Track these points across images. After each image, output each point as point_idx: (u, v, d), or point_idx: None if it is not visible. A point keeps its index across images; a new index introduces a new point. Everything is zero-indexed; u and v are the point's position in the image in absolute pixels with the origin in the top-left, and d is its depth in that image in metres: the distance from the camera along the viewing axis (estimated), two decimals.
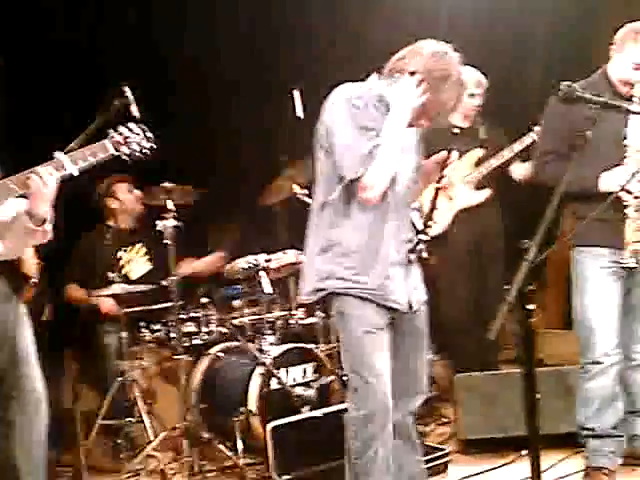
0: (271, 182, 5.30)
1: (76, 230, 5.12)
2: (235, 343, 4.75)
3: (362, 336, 3.12)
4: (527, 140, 4.72)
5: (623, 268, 3.55)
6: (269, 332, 4.71)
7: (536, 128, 3.95)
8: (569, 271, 3.79)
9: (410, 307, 3.21)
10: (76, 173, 3.05)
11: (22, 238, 3.11)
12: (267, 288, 4.76)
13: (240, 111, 6.11)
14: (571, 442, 3.86)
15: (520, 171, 4.92)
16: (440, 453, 4.06)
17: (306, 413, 4.24)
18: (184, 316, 4.77)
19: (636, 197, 3.47)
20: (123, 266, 5.21)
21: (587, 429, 3.73)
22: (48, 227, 3.14)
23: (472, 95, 4.81)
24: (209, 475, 4.36)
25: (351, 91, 3.11)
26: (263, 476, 4.18)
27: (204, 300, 4.91)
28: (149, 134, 3.27)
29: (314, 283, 3.17)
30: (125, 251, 5.26)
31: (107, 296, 4.92)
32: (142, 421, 4.58)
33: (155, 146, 3.27)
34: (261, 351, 4.51)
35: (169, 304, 4.59)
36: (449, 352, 5.15)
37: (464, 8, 5.80)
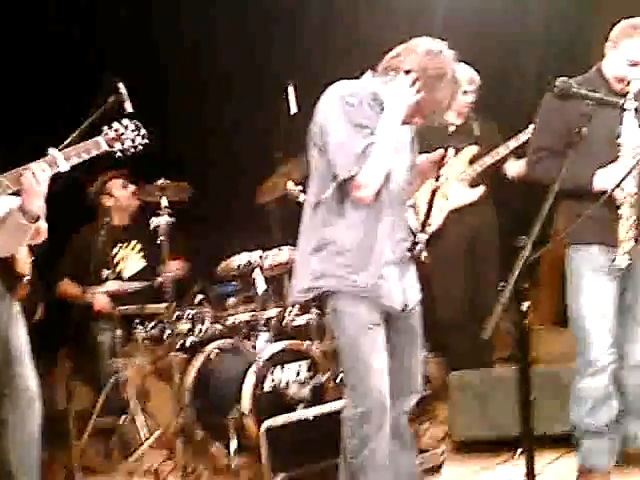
0: (266, 179, 5.29)
1: (69, 227, 5.10)
2: (229, 341, 4.74)
3: (357, 333, 3.11)
4: (522, 137, 4.71)
5: (618, 267, 3.54)
6: (263, 330, 4.69)
7: (531, 125, 3.95)
8: (562, 269, 3.77)
9: (405, 306, 3.20)
10: (68, 169, 3.04)
11: (15, 235, 3.11)
12: (261, 286, 4.76)
13: (235, 108, 6.10)
14: (565, 442, 3.86)
15: (514, 168, 4.91)
16: (434, 453, 4.05)
17: (300, 412, 4.23)
18: (178, 314, 4.76)
19: (630, 195, 3.47)
20: (118, 263, 5.20)
21: (581, 428, 3.73)
22: (43, 225, 3.14)
23: (465, 92, 4.80)
24: (202, 474, 4.35)
25: (345, 89, 3.10)
26: (257, 475, 4.17)
27: (198, 298, 4.90)
28: (143, 130, 3.26)
29: (308, 282, 3.16)
30: (120, 248, 5.25)
31: (101, 293, 4.90)
32: (135, 420, 4.57)
33: (149, 142, 3.27)
34: (255, 349, 4.49)
35: (163, 305, 4.57)
36: (443, 351, 5.14)
37: (459, 5, 5.79)
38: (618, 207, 3.47)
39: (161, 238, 4.49)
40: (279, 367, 4.42)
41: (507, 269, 2.45)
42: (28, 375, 3.32)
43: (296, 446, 3.92)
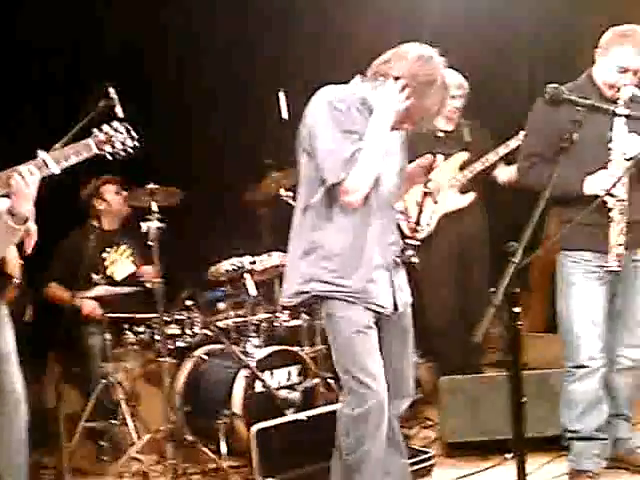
0: (256, 184, 5.28)
1: (58, 230, 5.08)
2: (219, 346, 4.72)
3: (352, 337, 3.12)
4: (513, 143, 4.71)
5: (608, 272, 3.55)
6: (254, 334, 4.69)
7: (522, 132, 3.96)
8: (553, 274, 3.79)
9: (395, 309, 3.20)
10: (58, 172, 3.03)
11: (4, 237, 3.09)
12: (252, 290, 4.76)
13: (225, 113, 6.10)
14: (556, 445, 3.87)
15: (505, 174, 4.91)
16: (425, 456, 4.05)
17: (290, 416, 4.22)
18: (168, 318, 4.75)
19: (620, 201, 3.48)
20: (107, 267, 5.18)
21: (571, 432, 3.73)
22: (32, 227, 3.13)
23: (453, 97, 4.78)
24: (193, 478, 4.33)
25: (334, 94, 3.10)
26: (247, 479, 4.16)
27: (188, 302, 4.88)
28: (133, 133, 3.25)
29: (297, 286, 3.17)
30: (109, 252, 5.23)
31: (90, 298, 4.89)
32: (126, 423, 4.56)
33: (139, 145, 3.26)
34: (245, 353, 4.49)
35: (153, 314, 4.56)
36: (433, 355, 5.14)
37: (449, 10, 5.80)
38: (608, 213, 3.48)
39: (151, 243, 4.47)
40: (269, 371, 4.41)
41: (498, 275, 2.45)
42: (15, 376, 3.31)
43: (286, 449, 3.92)
